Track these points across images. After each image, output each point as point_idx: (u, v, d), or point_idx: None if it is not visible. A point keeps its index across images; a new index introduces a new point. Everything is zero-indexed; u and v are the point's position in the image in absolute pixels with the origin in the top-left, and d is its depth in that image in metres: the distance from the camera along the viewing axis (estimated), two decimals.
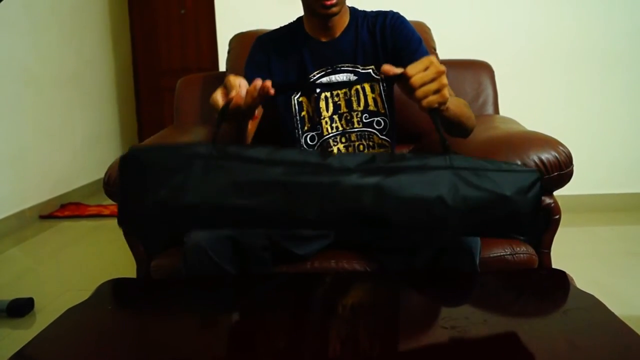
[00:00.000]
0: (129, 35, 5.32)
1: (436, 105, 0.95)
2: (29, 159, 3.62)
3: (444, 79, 0.94)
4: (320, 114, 1.43)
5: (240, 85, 1.00)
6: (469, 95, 1.85)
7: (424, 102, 0.94)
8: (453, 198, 0.85)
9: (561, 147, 1.35)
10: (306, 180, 0.85)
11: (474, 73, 1.92)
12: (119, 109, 5.12)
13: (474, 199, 0.86)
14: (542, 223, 1.38)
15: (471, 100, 1.86)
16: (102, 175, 1.46)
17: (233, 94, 0.99)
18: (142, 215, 0.85)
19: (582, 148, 2.68)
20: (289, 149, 0.92)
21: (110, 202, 3.32)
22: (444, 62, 1.92)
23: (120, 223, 0.86)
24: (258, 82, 1.00)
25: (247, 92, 1.01)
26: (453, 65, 1.95)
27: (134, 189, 0.85)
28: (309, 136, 1.44)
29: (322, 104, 1.42)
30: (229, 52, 1.95)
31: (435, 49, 1.88)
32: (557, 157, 1.33)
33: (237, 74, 1.66)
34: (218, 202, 0.84)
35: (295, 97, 1.45)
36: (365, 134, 1.43)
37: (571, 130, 2.89)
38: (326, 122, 1.43)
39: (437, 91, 0.94)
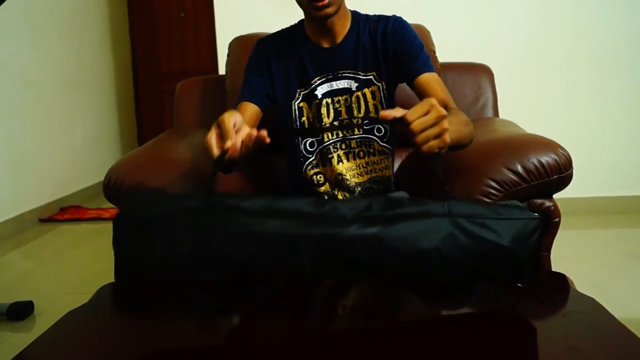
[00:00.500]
0: (128, 38, 5.33)
1: (437, 150, 0.92)
2: (28, 162, 3.62)
3: (445, 124, 0.91)
4: (321, 120, 1.42)
5: (235, 127, 1.00)
6: (468, 98, 1.85)
7: (425, 148, 0.91)
8: (450, 248, 0.86)
9: (561, 150, 1.34)
10: (301, 233, 0.85)
11: (474, 76, 1.92)
12: (118, 112, 5.12)
13: (471, 248, 0.87)
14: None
15: (471, 103, 1.86)
16: (102, 178, 1.46)
17: (228, 144, 0.98)
18: (140, 271, 0.84)
19: (582, 151, 2.68)
20: (285, 199, 0.91)
21: (109, 205, 3.31)
22: (443, 65, 1.94)
23: (117, 278, 0.85)
24: (253, 132, 0.99)
25: (242, 142, 1.00)
26: (453, 68, 1.95)
27: (130, 246, 0.85)
28: (308, 142, 1.44)
29: (324, 110, 1.42)
30: (228, 55, 1.95)
31: (434, 52, 1.88)
32: (556, 160, 1.32)
33: (236, 78, 1.67)
34: (214, 255, 0.84)
35: (296, 103, 1.44)
36: (365, 141, 1.43)
37: (571, 133, 2.90)
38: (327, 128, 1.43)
39: (438, 135, 0.91)
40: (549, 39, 3.21)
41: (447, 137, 0.91)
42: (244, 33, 1.98)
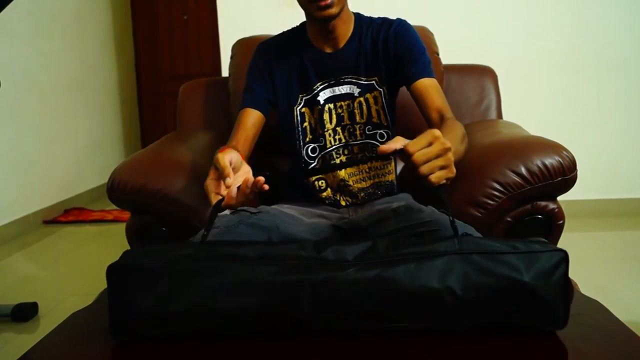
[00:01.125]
0: (131, 40, 5.34)
1: (444, 181, 0.87)
2: (32, 164, 3.64)
3: (450, 155, 0.86)
4: (324, 125, 1.41)
5: (231, 164, 1.03)
6: (472, 99, 1.85)
7: (433, 178, 0.85)
8: (463, 288, 0.78)
9: (565, 152, 1.34)
10: (298, 279, 0.80)
11: (477, 78, 1.92)
12: (122, 114, 5.14)
13: (488, 287, 0.79)
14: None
15: (474, 104, 1.86)
16: (105, 180, 1.46)
17: (223, 191, 1.00)
18: (133, 322, 0.82)
19: (586, 152, 2.68)
20: (283, 244, 0.88)
21: (113, 207, 3.33)
22: (446, 67, 1.94)
23: (112, 332, 0.84)
24: (250, 179, 0.99)
25: (240, 190, 1.02)
26: (456, 70, 1.95)
27: (122, 297, 0.82)
28: (310, 148, 1.43)
29: (326, 116, 1.41)
30: (231, 58, 1.95)
31: (438, 54, 1.88)
32: (560, 162, 1.32)
33: (239, 80, 1.67)
34: (206, 306, 0.80)
35: (298, 108, 1.43)
36: (368, 146, 1.42)
37: (574, 135, 2.90)
38: (329, 134, 1.42)
39: (444, 167, 0.86)
40: (552, 41, 3.20)
41: (454, 169, 0.88)
42: (246, 35, 1.98)
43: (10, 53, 3.42)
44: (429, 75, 1.35)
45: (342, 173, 1.41)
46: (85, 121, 4.42)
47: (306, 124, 1.43)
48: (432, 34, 1.93)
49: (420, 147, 0.85)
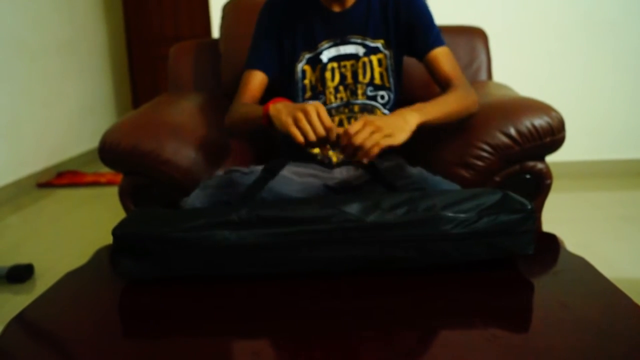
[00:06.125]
0: (120, 1, 5.25)
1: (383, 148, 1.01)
2: (24, 128, 3.62)
3: (387, 129, 1.02)
4: (325, 83, 1.42)
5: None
6: (462, 60, 1.84)
7: (368, 145, 1.00)
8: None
9: (554, 113, 1.35)
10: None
11: (468, 39, 1.91)
12: (113, 77, 5.09)
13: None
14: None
15: (465, 65, 1.86)
16: (97, 143, 1.46)
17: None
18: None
19: (574, 114, 2.70)
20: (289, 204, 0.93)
21: (107, 169, 3.32)
22: (438, 27, 1.92)
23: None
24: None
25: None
26: (447, 31, 1.93)
27: (126, 263, 0.89)
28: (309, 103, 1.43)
29: (328, 75, 1.42)
30: (222, 19, 1.93)
31: None
32: (549, 123, 1.33)
33: (230, 41, 1.66)
34: (212, 271, 0.88)
35: (300, 65, 1.44)
36: (368, 107, 1.43)
37: (563, 96, 2.91)
38: (330, 92, 1.42)
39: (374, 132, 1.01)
40: (541, 3, 3.19)
41: (397, 135, 1.03)
42: None
43: None
44: (441, 44, 1.39)
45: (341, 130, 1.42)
46: (76, 84, 4.38)
47: (307, 81, 1.44)
48: None
49: (355, 129, 1.00)
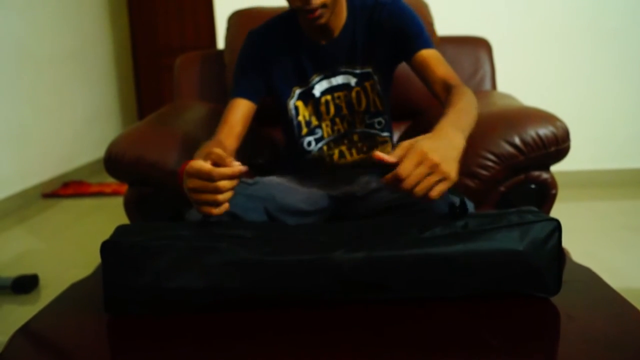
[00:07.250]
0: (126, 12, 5.29)
1: (444, 192, 0.85)
2: (30, 138, 3.63)
3: (444, 167, 0.84)
4: (320, 117, 1.40)
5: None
6: (466, 71, 1.85)
7: (433, 195, 0.84)
8: (456, 258, 0.82)
9: (558, 122, 1.35)
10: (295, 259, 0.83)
11: (472, 49, 1.92)
12: (118, 86, 5.11)
13: (482, 255, 0.82)
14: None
15: (469, 76, 1.86)
16: (103, 153, 1.47)
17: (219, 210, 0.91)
18: (127, 299, 0.83)
19: (579, 123, 2.69)
20: (278, 226, 0.90)
21: (112, 180, 3.33)
22: (442, 38, 1.93)
23: (107, 309, 0.85)
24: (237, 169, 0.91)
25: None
26: (451, 42, 1.95)
27: (118, 275, 0.83)
28: (306, 141, 1.41)
29: (323, 108, 1.39)
30: (227, 30, 1.94)
31: (432, 25, 1.87)
32: (554, 133, 1.33)
33: (235, 52, 1.65)
34: (205, 285, 0.82)
35: (292, 101, 1.40)
36: (367, 135, 1.41)
37: (567, 106, 2.91)
38: (327, 125, 1.40)
39: (440, 180, 0.84)
40: (547, 12, 3.19)
41: (453, 173, 0.86)
42: (242, 7, 1.97)
43: (3, 24, 3.39)
44: (429, 47, 1.30)
45: (343, 162, 1.41)
46: (82, 94, 4.40)
47: (300, 117, 1.40)
48: (427, 6, 1.92)
49: (409, 170, 0.83)
